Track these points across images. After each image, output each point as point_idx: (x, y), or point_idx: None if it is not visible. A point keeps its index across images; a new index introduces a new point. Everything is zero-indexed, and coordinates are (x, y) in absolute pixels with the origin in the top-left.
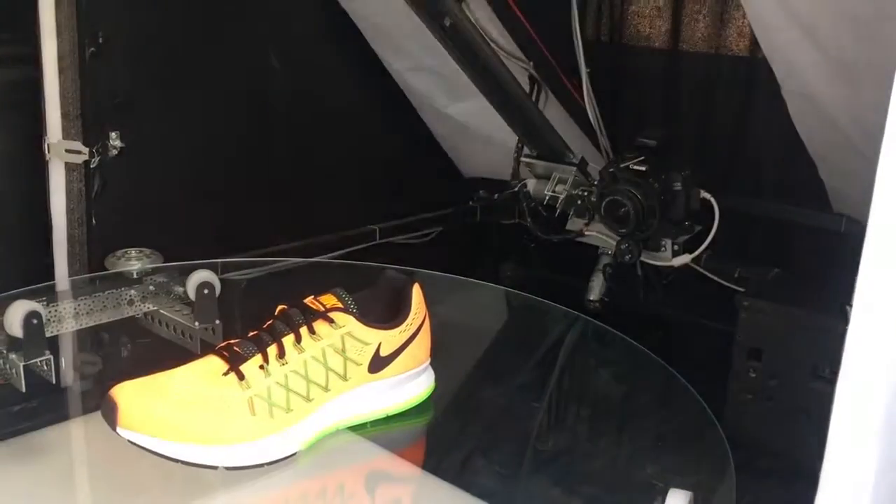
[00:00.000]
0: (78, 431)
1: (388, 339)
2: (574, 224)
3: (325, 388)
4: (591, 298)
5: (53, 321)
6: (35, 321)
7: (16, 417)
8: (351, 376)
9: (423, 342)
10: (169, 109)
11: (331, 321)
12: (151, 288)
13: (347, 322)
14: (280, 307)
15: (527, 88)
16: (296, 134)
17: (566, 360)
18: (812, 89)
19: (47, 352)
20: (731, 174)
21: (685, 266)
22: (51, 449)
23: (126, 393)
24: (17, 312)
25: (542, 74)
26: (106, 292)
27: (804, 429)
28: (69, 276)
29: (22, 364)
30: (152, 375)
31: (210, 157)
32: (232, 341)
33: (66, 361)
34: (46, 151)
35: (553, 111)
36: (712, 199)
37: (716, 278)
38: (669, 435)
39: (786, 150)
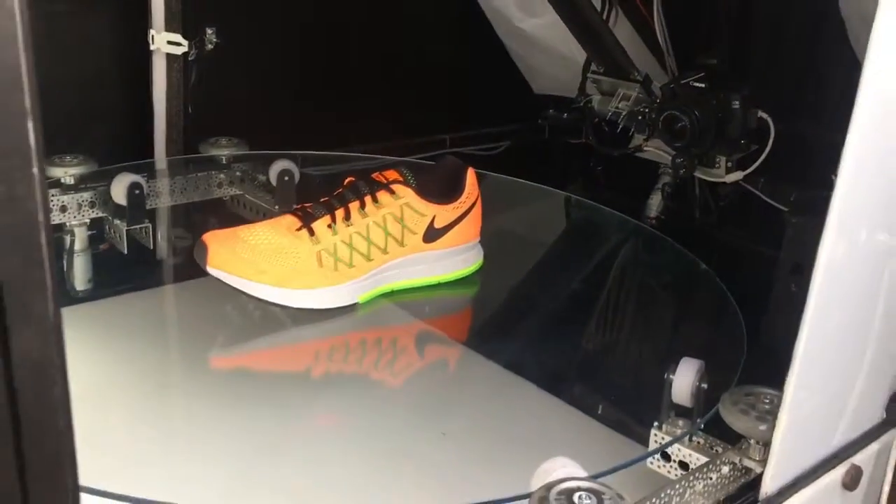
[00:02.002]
0: (169, 296)
1: (442, 214)
2: (635, 140)
3: (384, 251)
4: (649, 215)
5: (152, 195)
6: (137, 191)
7: (116, 280)
8: (407, 243)
9: (474, 221)
10: (260, 11)
11: (392, 192)
12: (238, 173)
13: (406, 194)
14: (349, 178)
15: (598, 5)
16: (375, 42)
17: (614, 257)
18: (867, 10)
19: (146, 220)
20: (796, 98)
21: (739, 185)
22: (144, 309)
23: (216, 238)
24: (122, 183)
25: None
26: (198, 174)
27: None
28: (167, 157)
29: (125, 229)
30: (239, 227)
31: (295, 60)
32: (306, 204)
33: (162, 234)
34: (151, 42)
35: (622, 29)
36: (769, 120)
37: (770, 200)
38: (695, 321)
39: (851, 78)
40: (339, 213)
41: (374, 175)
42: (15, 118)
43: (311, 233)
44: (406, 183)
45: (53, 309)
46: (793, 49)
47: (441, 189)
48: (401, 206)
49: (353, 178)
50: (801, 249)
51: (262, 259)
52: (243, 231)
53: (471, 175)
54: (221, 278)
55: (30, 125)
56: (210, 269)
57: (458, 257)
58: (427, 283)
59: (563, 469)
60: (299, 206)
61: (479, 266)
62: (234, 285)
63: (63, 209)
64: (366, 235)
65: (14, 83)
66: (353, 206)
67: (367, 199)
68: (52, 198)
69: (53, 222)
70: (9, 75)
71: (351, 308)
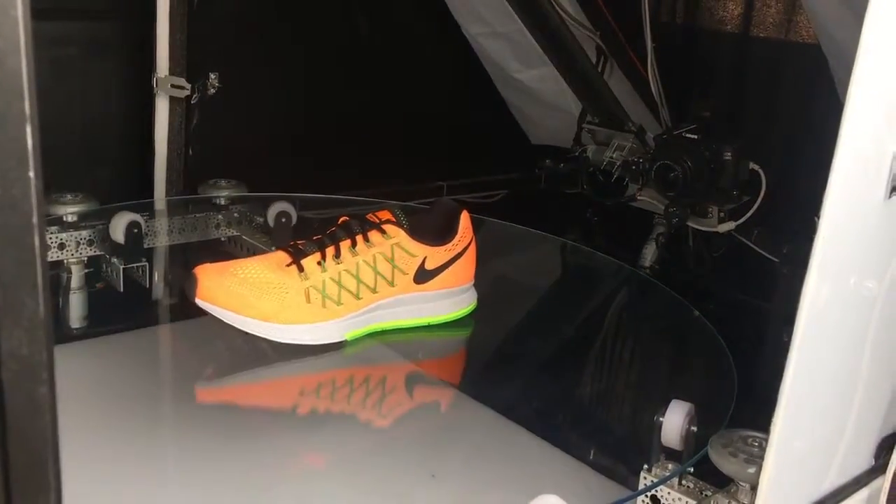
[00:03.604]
0: (163, 335)
1: (434, 255)
2: (629, 190)
3: (373, 290)
4: (644, 265)
5: (150, 234)
6: (136, 230)
7: (111, 319)
8: (397, 283)
9: (467, 264)
10: (262, 58)
11: (383, 232)
12: (236, 214)
13: (398, 234)
14: (343, 217)
15: (593, 58)
16: (375, 89)
17: (606, 302)
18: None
19: (144, 259)
20: (790, 150)
21: (732, 236)
22: (138, 348)
23: (206, 271)
24: (120, 221)
25: (608, 45)
26: (196, 214)
27: None
28: (166, 197)
29: (122, 267)
30: (230, 262)
31: (295, 105)
32: (298, 241)
33: (158, 273)
34: (154, 85)
35: (617, 81)
36: (761, 171)
37: (762, 252)
38: (686, 365)
39: None
40: (330, 250)
41: (368, 215)
42: (14, 123)
43: (301, 269)
44: (398, 223)
45: (44, 310)
46: (787, 101)
47: (434, 231)
48: (391, 246)
49: (347, 218)
50: (793, 301)
51: (251, 293)
52: (234, 265)
53: (464, 218)
54: (210, 311)
55: (28, 130)
56: (199, 302)
57: (449, 300)
58: (417, 324)
59: None
60: (292, 243)
61: (471, 309)
62: (222, 318)
63: (61, 246)
64: (355, 274)
65: (15, 90)
66: (344, 244)
67: (359, 238)
68: (51, 235)
69: (51, 259)
70: (11, 82)
71: (339, 345)
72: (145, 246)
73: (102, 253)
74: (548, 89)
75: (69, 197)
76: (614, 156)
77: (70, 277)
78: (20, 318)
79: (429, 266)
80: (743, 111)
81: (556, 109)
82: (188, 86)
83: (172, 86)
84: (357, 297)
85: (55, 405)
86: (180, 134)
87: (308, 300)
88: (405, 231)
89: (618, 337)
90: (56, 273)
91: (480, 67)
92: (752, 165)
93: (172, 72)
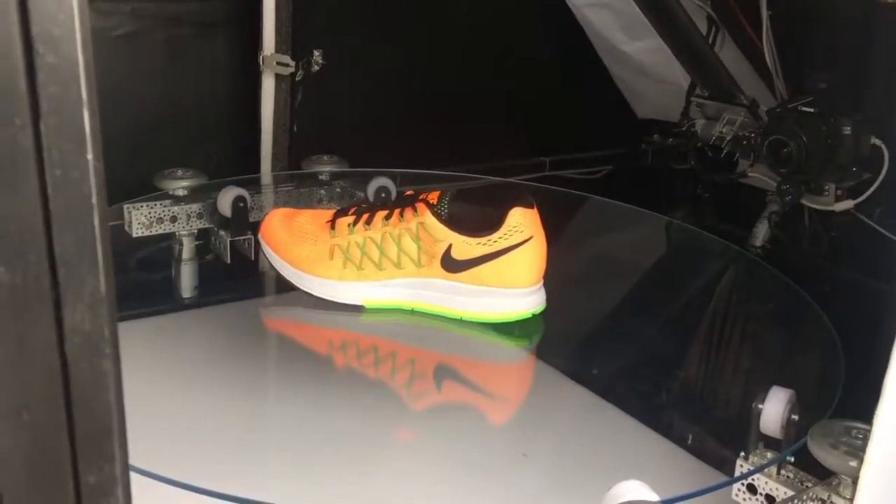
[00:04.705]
0: (270, 307)
1: (460, 244)
2: (740, 166)
3: (397, 265)
4: (755, 244)
5: (256, 208)
6: (241, 204)
7: (219, 289)
8: (425, 264)
9: (518, 265)
10: (365, 35)
11: (415, 210)
12: (338, 189)
13: (424, 214)
14: (407, 192)
15: (704, 28)
16: (476, 65)
17: (710, 283)
18: None
19: (249, 232)
20: None
21: (852, 215)
22: (242, 317)
23: (275, 214)
24: (227, 196)
25: (720, 14)
26: (300, 189)
27: None
28: (271, 172)
29: (228, 240)
30: (298, 210)
31: (397, 82)
32: (353, 206)
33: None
34: (261, 63)
35: (729, 53)
36: (884, 146)
37: (884, 231)
38: (792, 350)
39: None
40: (365, 217)
41: (423, 194)
42: (73, 108)
43: (332, 226)
44: (431, 205)
45: (106, 286)
46: None
47: (475, 220)
48: (417, 225)
49: (412, 193)
50: None
51: (291, 239)
52: (297, 213)
53: (514, 215)
54: (263, 247)
55: (86, 114)
56: (259, 238)
57: (485, 299)
58: (449, 315)
59: (634, 492)
60: (347, 206)
61: (512, 317)
62: (266, 255)
63: (173, 219)
64: (378, 243)
65: (73, 76)
66: (380, 214)
67: (396, 211)
68: (163, 208)
69: (164, 231)
70: (69, 69)
71: (357, 309)
72: (251, 220)
73: (211, 226)
74: (655, 61)
75: (180, 172)
76: (724, 130)
77: (181, 249)
78: (82, 295)
79: (456, 255)
80: (866, 83)
81: (664, 82)
82: (292, 63)
83: (278, 63)
84: (379, 267)
85: (120, 378)
86: (285, 111)
87: (331, 257)
88: (431, 211)
89: (720, 319)
90: (169, 245)
91: (585, 40)
92: (874, 140)
93: (278, 49)
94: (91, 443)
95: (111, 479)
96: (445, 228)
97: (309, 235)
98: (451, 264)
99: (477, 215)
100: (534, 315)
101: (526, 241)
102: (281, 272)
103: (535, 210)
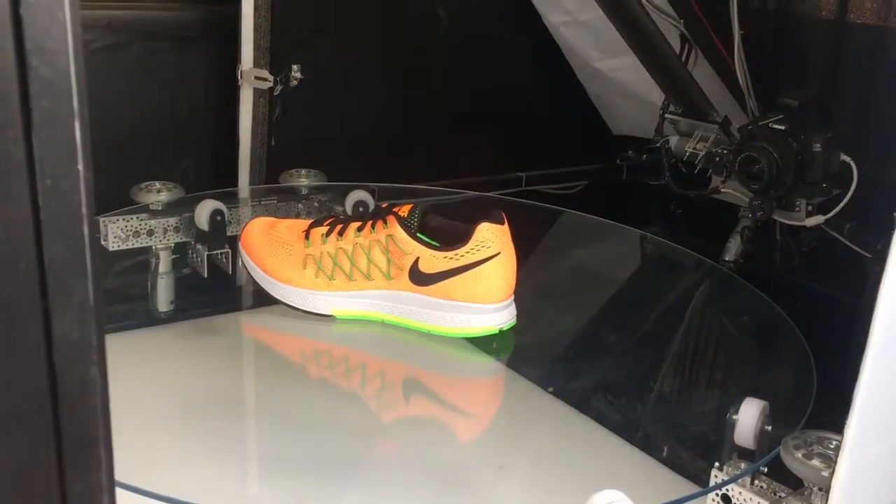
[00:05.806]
0: (246, 320)
1: (427, 257)
2: (713, 182)
3: (367, 277)
4: (727, 258)
5: (234, 222)
6: (219, 218)
7: (195, 303)
8: (394, 277)
9: (483, 282)
10: (343, 50)
11: (385, 222)
12: (316, 203)
13: (394, 226)
14: (384, 204)
15: (677, 46)
16: (454, 81)
17: (683, 296)
18: None
19: (227, 246)
20: (885, 142)
21: (823, 231)
22: (218, 331)
23: (256, 223)
24: (205, 209)
25: (693, 33)
26: (278, 203)
27: None
28: (249, 186)
29: (206, 253)
30: (278, 219)
31: (374, 96)
32: (330, 217)
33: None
34: (239, 77)
35: (702, 71)
36: (852, 163)
37: (854, 247)
38: (764, 362)
39: None
40: (338, 228)
41: (395, 207)
42: (64, 120)
43: (307, 237)
44: (401, 217)
45: (94, 295)
46: (884, 90)
47: (445, 234)
48: (386, 237)
49: (386, 206)
50: None
51: (268, 247)
52: (277, 223)
53: (483, 230)
54: (241, 255)
55: (77, 126)
56: (240, 246)
57: (451, 313)
58: (416, 327)
59: (613, 502)
60: (323, 217)
61: (478, 333)
62: (245, 262)
63: (150, 233)
64: (349, 255)
65: (65, 89)
66: (353, 225)
67: (368, 223)
68: (140, 222)
69: (140, 245)
70: (62, 82)
71: (328, 319)
72: (228, 233)
73: (188, 240)
74: (629, 79)
75: (157, 186)
76: (697, 147)
77: (158, 262)
78: (70, 304)
79: (424, 268)
80: (836, 101)
81: (638, 99)
82: (271, 77)
83: (256, 77)
84: (350, 278)
85: (106, 386)
86: (263, 125)
87: (304, 266)
88: (400, 224)
89: (694, 332)
90: (145, 258)
91: (561, 57)
92: (844, 157)
93: (256, 64)
94: (78, 450)
95: (97, 488)
96: (413, 241)
97: (285, 245)
98: (419, 277)
99: (447, 229)
100: (501, 331)
101: (493, 256)
102: (256, 279)
103: (506, 225)
